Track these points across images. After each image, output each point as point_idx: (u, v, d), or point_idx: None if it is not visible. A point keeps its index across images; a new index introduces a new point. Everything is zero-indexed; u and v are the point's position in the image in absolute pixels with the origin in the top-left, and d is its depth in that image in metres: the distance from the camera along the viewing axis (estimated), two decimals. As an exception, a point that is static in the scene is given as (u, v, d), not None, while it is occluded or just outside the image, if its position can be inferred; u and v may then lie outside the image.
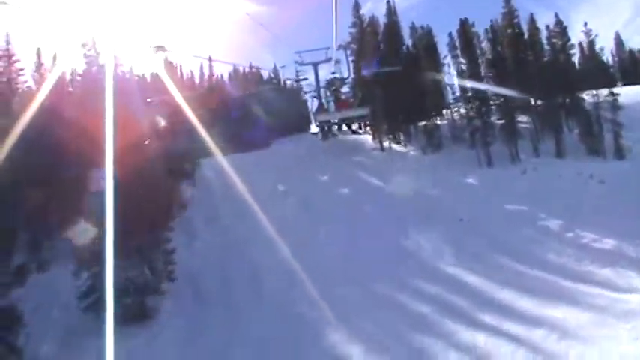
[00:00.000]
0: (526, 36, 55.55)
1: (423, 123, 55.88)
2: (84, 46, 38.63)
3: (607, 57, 72.00)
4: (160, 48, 34.90)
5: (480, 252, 30.70)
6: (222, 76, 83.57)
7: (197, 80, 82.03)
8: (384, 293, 27.87)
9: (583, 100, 52.44)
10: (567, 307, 23.48)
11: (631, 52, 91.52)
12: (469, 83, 51.82)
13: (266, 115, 62.44)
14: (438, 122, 56.39)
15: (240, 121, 59.93)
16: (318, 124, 48.52)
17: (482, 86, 51.04)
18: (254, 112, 62.51)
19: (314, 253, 32.47)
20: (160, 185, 35.90)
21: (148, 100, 30.23)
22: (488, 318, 23.72)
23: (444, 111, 60.45)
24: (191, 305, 29.31)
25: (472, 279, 27.82)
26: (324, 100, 47.05)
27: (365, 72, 52.41)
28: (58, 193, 34.17)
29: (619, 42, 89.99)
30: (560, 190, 37.19)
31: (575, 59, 59.37)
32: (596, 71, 52.85)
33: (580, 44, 59.66)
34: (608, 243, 29.40)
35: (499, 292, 25.99)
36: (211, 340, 25.81)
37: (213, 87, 74.79)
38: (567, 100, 53.56)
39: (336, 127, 67.30)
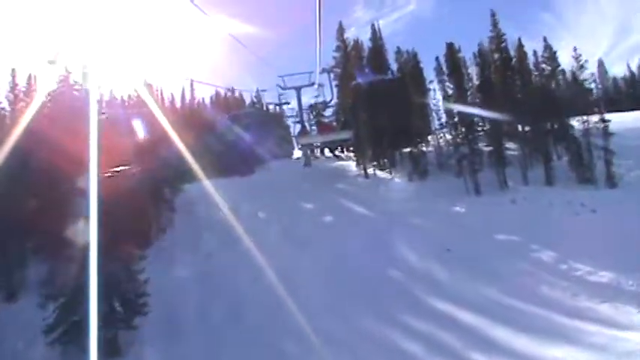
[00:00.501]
0: (514, 61, 54.58)
1: (409, 149, 54.78)
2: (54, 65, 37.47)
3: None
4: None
5: (470, 284, 29.11)
6: (203, 100, 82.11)
7: (178, 104, 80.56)
8: (369, 328, 26.29)
9: (572, 126, 51.60)
10: (565, 345, 21.94)
11: (614, 79, 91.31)
12: (456, 109, 50.69)
13: (249, 141, 61.73)
14: (424, 149, 55.16)
15: (222, 146, 58.89)
16: (300, 147, 47.68)
17: (469, 111, 49.85)
18: (237, 137, 61.71)
19: (297, 283, 30.73)
20: (135, 211, 34.52)
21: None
22: (481, 359, 22.28)
23: (430, 137, 59.47)
24: (166, 339, 27.60)
25: (463, 314, 26.12)
26: (306, 123, 46.30)
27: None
28: (29, 217, 32.57)
29: (602, 69, 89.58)
30: (551, 219, 36.11)
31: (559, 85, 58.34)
32: (584, 98, 51.69)
33: (563, 70, 58.61)
34: (605, 276, 28.05)
35: (492, 328, 24.35)
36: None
37: (195, 111, 73.52)
38: (555, 126, 52.65)
39: (319, 151, 66.77)
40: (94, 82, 36.30)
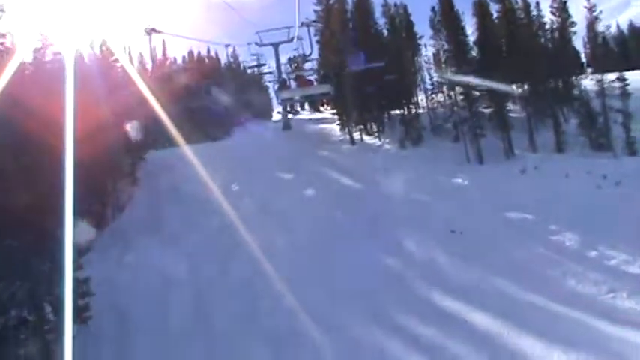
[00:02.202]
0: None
1: (399, 112, 49.84)
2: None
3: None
4: None
5: (482, 277, 23.97)
6: (175, 59, 75.98)
7: (148, 63, 74.55)
8: (360, 336, 21.13)
9: (576, 85, 46.79)
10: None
11: (604, 38, 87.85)
12: (453, 66, 45.44)
13: (224, 103, 57.85)
14: (416, 111, 50.14)
15: (195, 109, 54.50)
16: (280, 101, 44.34)
17: (468, 72, 44.21)
18: (211, 100, 57.69)
19: (274, 274, 25.44)
20: (87, 189, 29.36)
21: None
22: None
23: (421, 98, 54.52)
24: (114, 349, 22.58)
25: (477, 316, 21.04)
26: (285, 76, 42.91)
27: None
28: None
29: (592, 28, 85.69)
30: (570, 193, 31.20)
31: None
32: (601, 54, 46.51)
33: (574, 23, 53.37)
34: (647, 267, 23.14)
35: (516, 337, 19.28)
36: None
37: (168, 71, 67.99)
38: (561, 85, 47.65)
39: (299, 105, 65.82)
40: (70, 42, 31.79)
